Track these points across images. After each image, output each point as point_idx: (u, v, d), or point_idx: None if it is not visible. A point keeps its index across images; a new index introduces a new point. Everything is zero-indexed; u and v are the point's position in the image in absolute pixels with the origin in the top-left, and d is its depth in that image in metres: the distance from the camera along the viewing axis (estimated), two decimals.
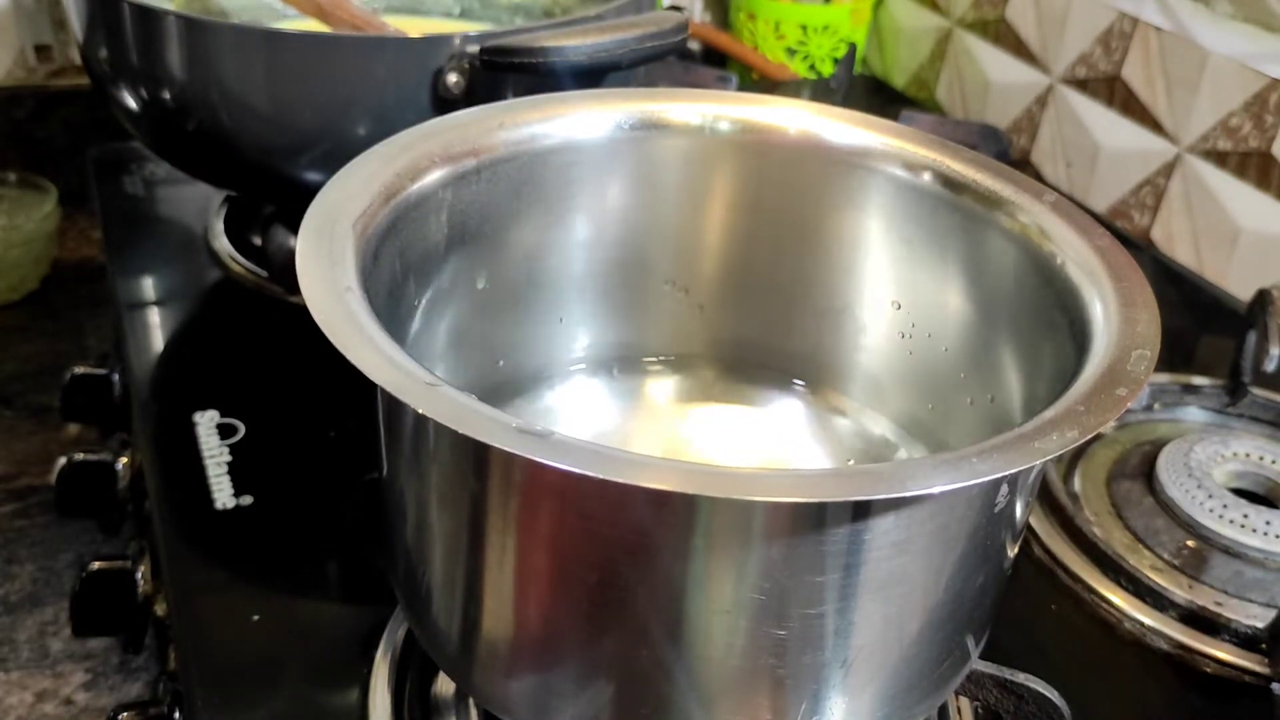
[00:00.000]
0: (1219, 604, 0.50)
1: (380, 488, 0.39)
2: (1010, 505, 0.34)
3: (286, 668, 0.44)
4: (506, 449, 0.28)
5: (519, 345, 0.49)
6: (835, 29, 1.03)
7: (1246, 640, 0.49)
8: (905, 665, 0.36)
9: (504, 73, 0.55)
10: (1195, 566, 0.53)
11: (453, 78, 0.56)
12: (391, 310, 0.39)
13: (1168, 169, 0.81)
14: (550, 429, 0.29)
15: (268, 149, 0.60)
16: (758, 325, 0.51)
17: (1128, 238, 0.84)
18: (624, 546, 0.32)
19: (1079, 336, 0.37)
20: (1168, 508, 0.55)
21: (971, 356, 0.45)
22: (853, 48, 1.00)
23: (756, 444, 0.51)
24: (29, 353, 0.80)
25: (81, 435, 0.72)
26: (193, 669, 0.44)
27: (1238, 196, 0.76)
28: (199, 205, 0.75)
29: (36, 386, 0.77)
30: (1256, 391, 0.63)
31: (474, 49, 0.56)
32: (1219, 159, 0.77)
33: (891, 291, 0.48)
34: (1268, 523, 0.53)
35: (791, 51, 1.03)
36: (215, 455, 0.54)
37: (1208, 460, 0.57)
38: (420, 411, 0.30)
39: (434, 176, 0.42)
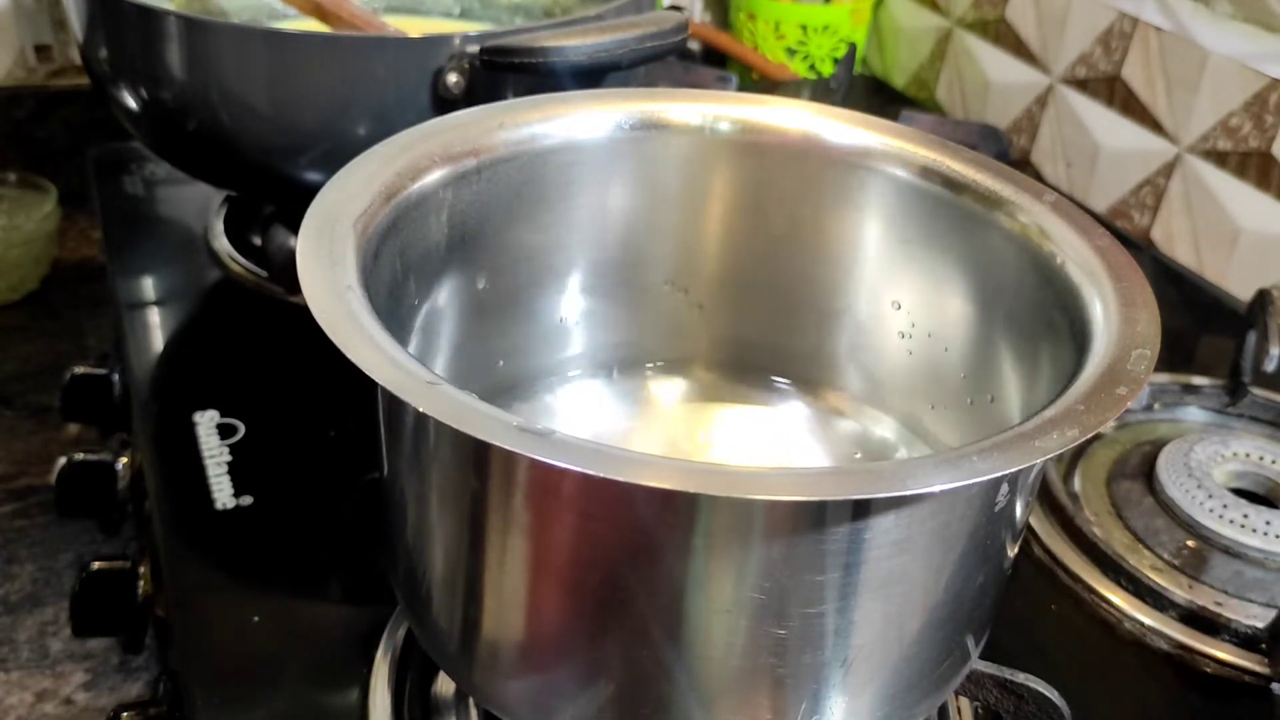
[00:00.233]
0: (1219, 604, 0.50)
1: (380, 488, 0.39)
2: (1010, 505, 0.34)
3: (286, 668, 0.44)
4: (507, 448, 0.28)
5: (519, 345, 0.49)
6: (835, 29, 1.03)
7: (1246, 640, 0.49)
8: (905, 665, 0.36)
9: (504, 73, 0.55)
10: (1195, 566, 0.53)
11: (453, 78, 0.56)
12: (392, 310, 0.39)
13: (1168, 169, 0.81)
14: (551, 428, 0.29)
15: (268, 149, 0.60)
16: (757, 325, 0.51)
17: (1128, 238, 0.84)
18: (624, 545, 0.32)
19: (1079, 336, 0.37)
20: (1168, 508, 0.55)
21: (971, 356, 0.45)
22: (853, 48, 1.00)
23: (756, 444, 0.51)
24: (29, 353, 0.80)
25: (81, 435, 0.72)
26: (193, 669, 0.44)
27: (1238, 196, 0.76)
28: (199, 205, 0.75)
29: (36, 386, 0.77)
30: (1256, 391, 0.63)
31: (474, 49, 0.56)
32: (1219, 159, 0.77)
33: (891, 291, 0.48)
34: (1268, 523, 0.53)
35: (791, 51, 1.03)
36: (215, 455, 0.54)
37: (1208, 460, 0.57)
38: (421, 410, 0.29)
39: (434, 176, 0.42)
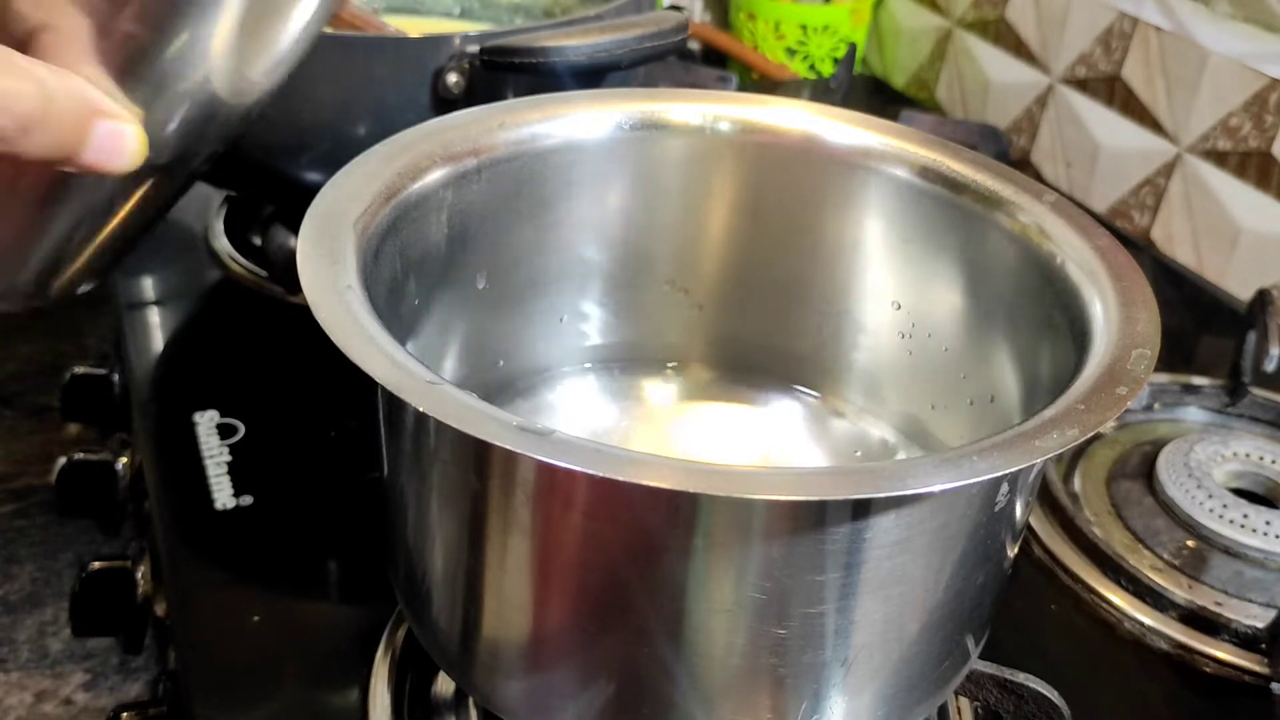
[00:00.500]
0: (1219, 604, 0.50)
1: (380, 487, 0.39)
2: (1010, 504, 0.34)
3: (286, 668, 0.44)
4: (508, 447, 0.28)
5: (519, 345, 0.49)
6: (835, 29, 1.03)
7: (1246, 640, 0.49)
8: (905, 665, 0.36)
9: (504, 73, 0.55)
10: (1195, 566, 0.53)
11: (453, 78, 0.56)
12: (392, 310, 0.39)
13: (1168, 169, 0.81)
14: (551, 427, 0.29)
15: (267, 149, 0.60)
16: (757, 325, 0.51)
17: (1128, 238, 0.84)
18: (624, 545, 0.32)
19: (1079, 336, 0.37)
20: (1168, 508, 0.55)
21: (971, 356, 0.45)
22: (853, 48, 1.00)
23: (756, 444, 0.51)
24: (29, 353, 0.80)
25: (81, 435, 0.72)
26: (192, 669, 0.44)
27: (1238, 196, 0.76)
28: (199, 205, 0.75)
29: (36, 386, 0.77)
30: (1256, 391, 0.63)
31: (474, 49, 0.56)
32: (1219, 159, 0.77)
33: (891, 291, 0.48)
34: (1268, 523, 0.53)
35: (791, 51, 1.03)
36: (215, 455, 0.54)
37: (1208, 460, 0.57)
38: (421, 410, 0.29)
39: (434, 176, 0.42)
